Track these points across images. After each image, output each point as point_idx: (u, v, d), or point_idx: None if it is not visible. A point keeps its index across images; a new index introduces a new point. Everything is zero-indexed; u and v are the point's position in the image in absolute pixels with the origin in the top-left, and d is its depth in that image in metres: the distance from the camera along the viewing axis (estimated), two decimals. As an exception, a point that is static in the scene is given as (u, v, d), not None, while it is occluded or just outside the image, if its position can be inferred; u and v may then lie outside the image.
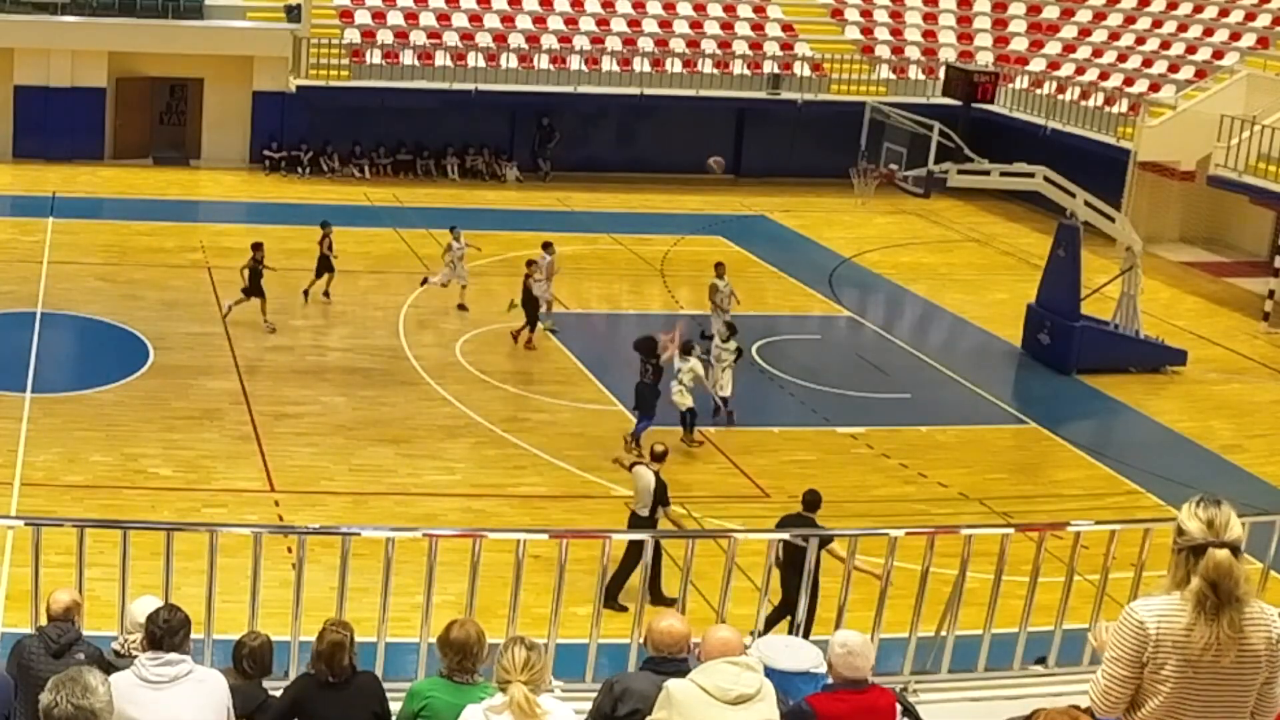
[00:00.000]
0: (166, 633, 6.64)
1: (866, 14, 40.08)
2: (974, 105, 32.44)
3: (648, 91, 36.33)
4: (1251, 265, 32.24)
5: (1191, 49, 35.64)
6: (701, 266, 30.48)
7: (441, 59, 35.84)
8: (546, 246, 25.88)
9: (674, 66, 36.90)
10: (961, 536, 10.45)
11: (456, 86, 35.52)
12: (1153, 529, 10.01)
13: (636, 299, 28.74)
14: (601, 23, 38.11)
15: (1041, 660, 9.92)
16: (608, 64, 36.42)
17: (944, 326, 28.57)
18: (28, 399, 20.98)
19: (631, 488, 16.39)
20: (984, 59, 38.49)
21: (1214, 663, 5.22)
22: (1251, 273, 31.68)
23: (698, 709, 6.06)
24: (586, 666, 9.42)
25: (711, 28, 38.78)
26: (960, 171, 26.85)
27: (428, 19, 37.26)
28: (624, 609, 12.50)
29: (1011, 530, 11.45)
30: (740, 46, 38.08)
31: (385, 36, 36.04)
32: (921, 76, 37.90)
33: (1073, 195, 25.23)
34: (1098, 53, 37.38)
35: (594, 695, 7.15)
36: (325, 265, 26.29)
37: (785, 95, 36.89)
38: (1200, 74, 34.30)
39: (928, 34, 39.67)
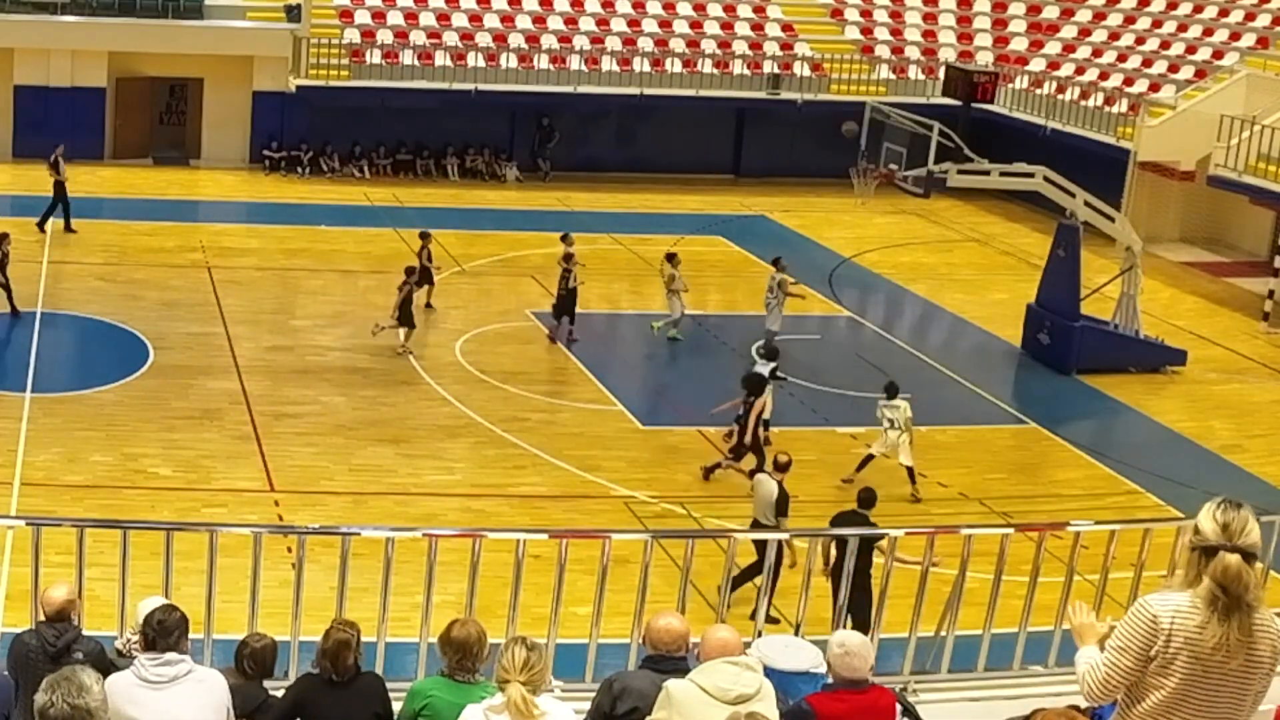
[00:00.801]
0: (160, 634, 6.63)
1: (866, 14, 40.09)
2: (974, 105, 32.46)
3: (648, 91, 36.34)
4: (1251, 265, 32.24)
5: (1191, 49, 35.65)
6: (702, 266, 30.50)
7: (441, 59, 35.85)
8: (671, 258, 26.16)
9: (674, 66, 36.90)
10: (961, 536, 10.45)
11: (456, 86, 35.53)
12: (1153, 529, 10.01)
13: (636, 299, 28.73)
14: (601, 23, 38.12)
15: None
16: (608, 64, 36.43)
17: (944, 326, 28.58)
18: (28, 399, 20.98)
19: (751, 496, 16.45)
20: (984, 59, 38.50)
21: (1222, 664, 5.22)
22: (1251, 273, 31.68)
23: (697, 709, 6.06)
24: (586, 666, 9.41)
25: (711, 28, 38.78)
26: (960, 171, 26.85)
27: (428, 19, 37.26)
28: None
29: (1011, 530, 11.46)
30: (740, 46, 38.08)
31: (385, 36, 36.05)
32: (921, 76, 37.90)
33: (1073, 195, 25.23)
34: (1098, 53, 37.39)
35: (594, 695, 7.16)
36: (426, 276, 26.02)
37: (785, 95, 36.90)
38: (1200, 74, 34.31)
39: (928, 34, 39.68)
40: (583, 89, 36.11)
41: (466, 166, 37.41)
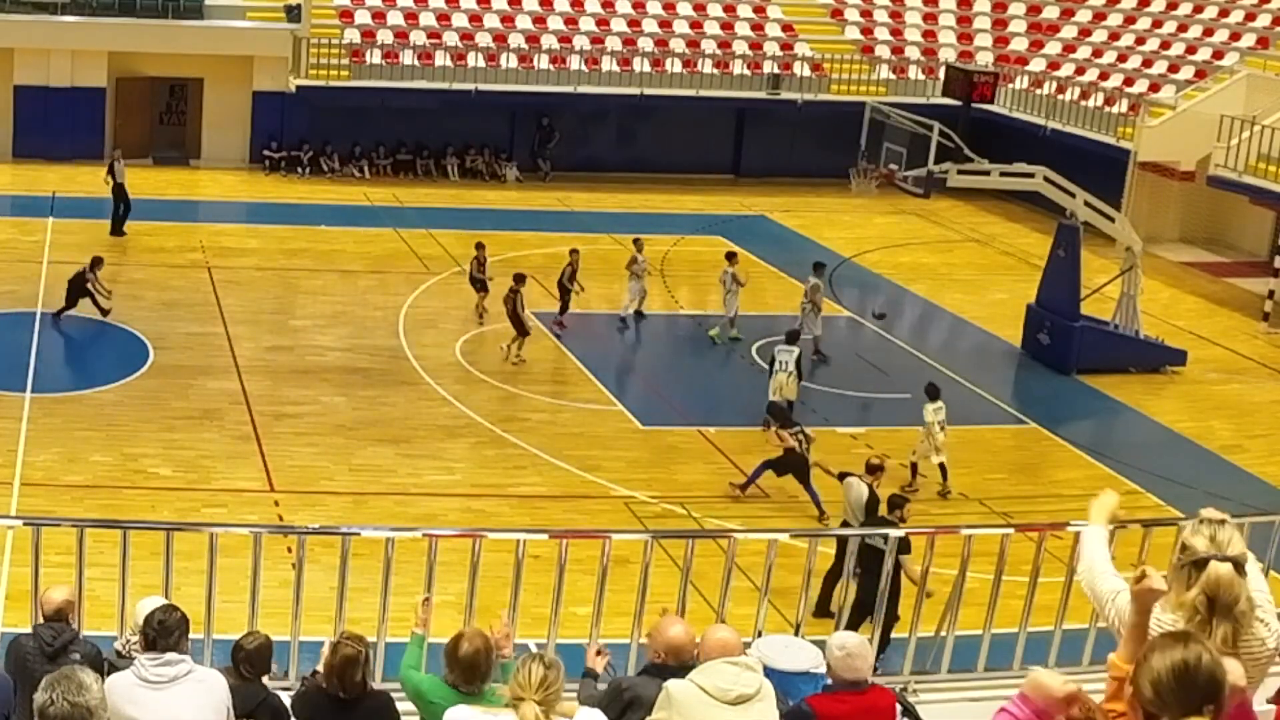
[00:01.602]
0: (160, 634, 6.63)
1: (866, 14, 40.09)
2: (974, 105, 32.46)
3: (648, 91, 36.34)
4: (1251, 265, 32.24)
5: (1191, 49, 35.65)
6: (701, 266, 30.50)
7: (441, 59, 35.85)
8: (731, 257, 26.54)
9: (674, 66, 36.90)
10: (961, 536, 10.45)
11: (456, 86, 35.53)
12: (1152, 529, 10.01)
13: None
14: (601, 23, 38.12)
15: None
16: (608, 64, 36.42)
17: (944, 326, 28.58)
18: (28, 399, 20.98)
19: (841, 500, 16.44)
20: (984, 59, 38.49)
21: None
22: (1251, 273, 31.68)
23: (697, 709, 6.05)
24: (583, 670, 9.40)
25: (711, 28, 38.78)
26: (960, 171, 26.86)
27: (428, 19, 37.26)
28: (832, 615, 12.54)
29: (1011, 530, 11.46)
30: (740, 46, 38.08)
31: (385, 36, 36.05)
32: (921, 76, 37.90)
33: (1073, 195, 25.23)
34: (1098, 53, 37.39)
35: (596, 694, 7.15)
36: (480, 284, 26.04)
37: (785, 95, 36.90)
38: (1200, 74, 34.31)
39: (928, 34, 39.67)
40: (583, 89, 36.11)
41: (466, 166, 37.41)
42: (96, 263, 24.73)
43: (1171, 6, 37.77)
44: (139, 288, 26.78)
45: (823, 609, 13.61)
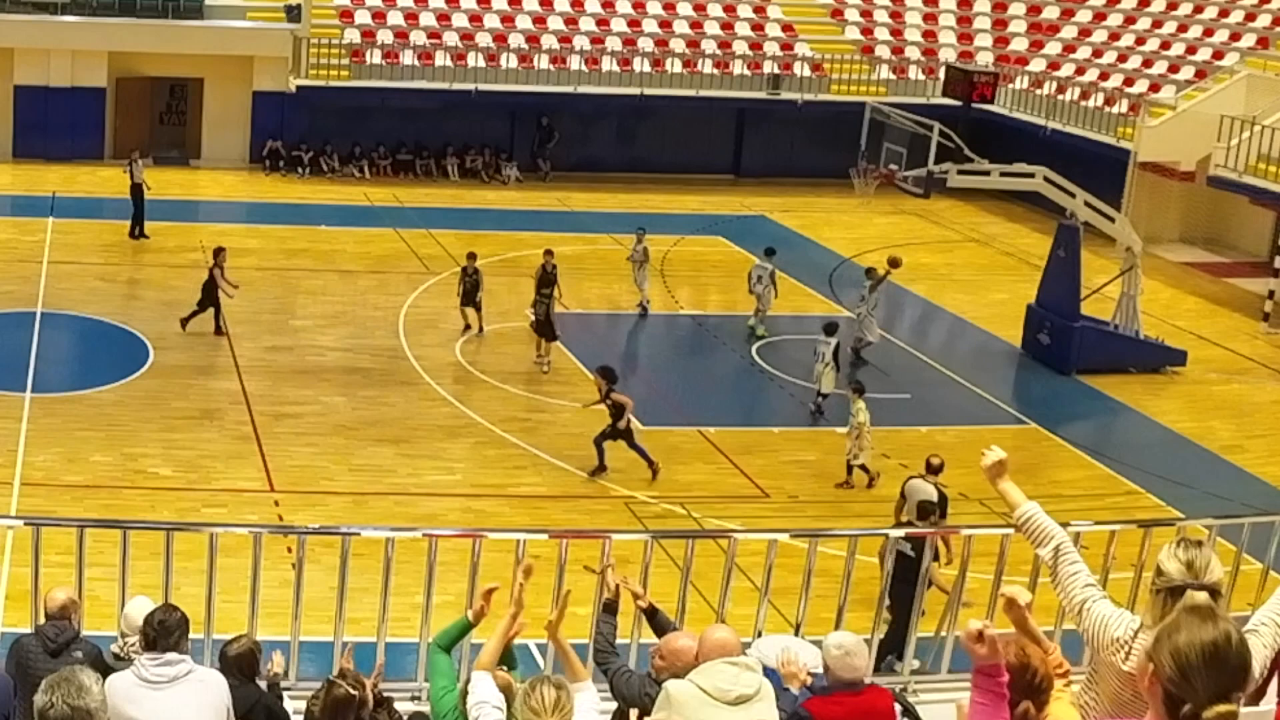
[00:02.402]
0: (161, 634, 6.63)
1: (866, 14, 40.09)
2: (974, 105, 32.45)
3: (648, 91, 36.34)
4: (1251, 265, 32.24)
5: (1191, 49, 35.65)
6: (702, 267, 30.53)
7: (441, 59, 35.85)
8: (769, 250, 26.76)
9: (674, 66, 36.90)
10: (961, 536, 10.45)
11: (456, 86, 35.53)
12: (1152, 529, 10.01)
13: (636, 299, 28.71)
14: (601, 23, 38.11)
15: None
16: (608, 64, 36.42)
17: (944, 326, 28.57)
18: (28, 399, 20.98)
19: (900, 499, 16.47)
20: (984, 59, 38.49)
21: None
22: (1251, 273, 31.68)
23: (697, 709, 6.05)
24: (586, 666, 9.40)
25: (711, 28, 38.78)
26: (960, 172, 26.85)
27: (428, 19, 37.26)
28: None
29: (1012, 530, 11.44)
30: (740, 46, 38.08)
31: (385, 36, 36.05)
32: (921, 76, 37.90)
33: (1073, 195, 25.22)
34: (1098, 53, 37.39)
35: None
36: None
37: (785, 95, 36.89)
38: (1200, 74, 34.31)
39: (928, 34, 39.67)
40: (583, 89, 36.11)
41: (466, 166, 37.41)
42: (220, 253, 24.47)
43: (1171, 6, 37.77)
44: (139, 288, 26.79)
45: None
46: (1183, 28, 36.83)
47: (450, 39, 36.47)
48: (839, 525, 16.94)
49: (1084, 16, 39.15)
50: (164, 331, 24.28)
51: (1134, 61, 36.31)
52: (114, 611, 9.08)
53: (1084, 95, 34.91)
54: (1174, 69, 35.15)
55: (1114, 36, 37.81)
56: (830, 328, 22.66)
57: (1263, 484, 20.53)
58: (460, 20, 37.36)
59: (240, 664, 7.62)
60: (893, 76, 37.92)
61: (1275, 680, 5.98)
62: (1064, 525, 6.68)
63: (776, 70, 37.15)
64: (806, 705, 7.10)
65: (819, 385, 22.18)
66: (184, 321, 24.10)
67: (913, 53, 38.71)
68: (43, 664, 7.44)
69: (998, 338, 26.97)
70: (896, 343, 26.64)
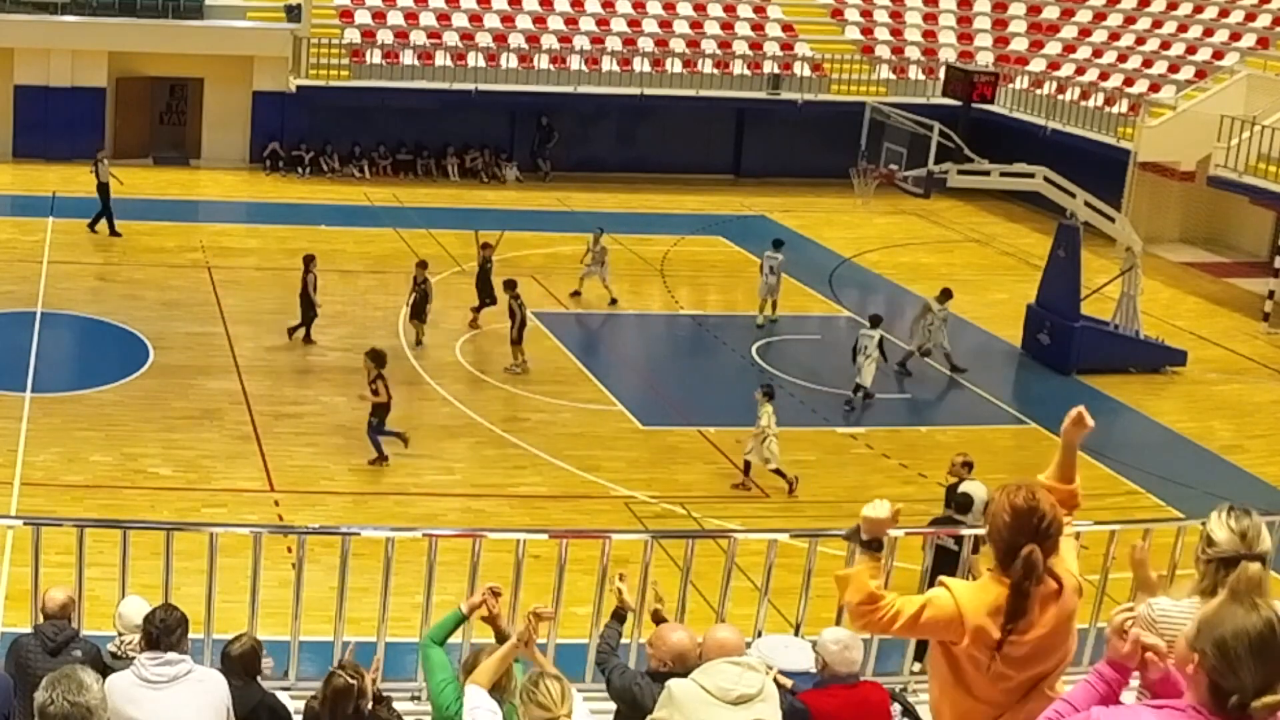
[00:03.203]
0: (163, 632, 6.64)
1: (866, 14, 40.09)
2: (974, 105, 32.44)
3: (648, 91, 36.33)
4: (1251, 265, 32.24)
5: (1191, 49, 35.64)
6: (701, 267, 30.54)
7: (441, 59, 35.85)
8: (778, 242, 27.18)
9: (674, 66, 36.90)
10: (961, 537, 10.44)
11: (456, 86, 35.53)
12: (1153, 529, 9.99)
13: (636, 299, 28.71)
14: (601, 23, 38.11)
15: None
16: (608, 64, 36.42)
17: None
18: (28, 399, 20.97)
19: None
20: (984, 59, 38.49)
21: None
22: (1251, 273, 31.68)
23: (699, 709, 6.04)
24: (586, 666, 9.40)
25: (711, 28, 38.78)
26: (960, 172, 26.85)
27: (428, 19, 37.26)
28: None
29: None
30: (740, 46, 38.08)
31: (385, 36, 36.05)
32: (921, 76, 37.90)
33: (1073, 195, 25.23)
34: (1098, 53, 37.39)
35: (592, 694, 7.15)
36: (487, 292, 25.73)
37: (785, 95, 36.89)
38: (1200, 74, 34.31)
39: (928, 34, 39.67)
40: (583, 89, 36.11)
41: (466, 166, 37.41)
42: (310, 260, 24.19)
43: (1171, 6, 37.77)
44: (139, 288, 26.79)
45: None
46: (1183, 28, 36.83)
47: (450, 39, 36.48)
48: (839, 525, 16.92)
49: (1084, 16, 39.16)
50: (164, 331, 24.29)
51: (1134, 61, 36.31)
52: (114, 611, 9.09)
53: (1084, 95, 34.91)
54: (1174, 69, 35.14)
55: (1114, 36, 37.81)
56: (875, 320, 22.82)
57: (1263, 484, 20.52)
58: (460, 20, 37.36)
59: (243, 663, 7.65)
60: (893, 76, 37.92)
61: None
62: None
63: (776, 70, 37.15)
64: (802, 697, 7.11)
65: (859, 378, 22.33)
66: (291, 331, 24.14)
67: (913, 53, 38.71)
68: (42, 663, 7.45)
69: (998, 338, 26.97)
70: (896, 343, 26.63)
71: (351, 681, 6.88)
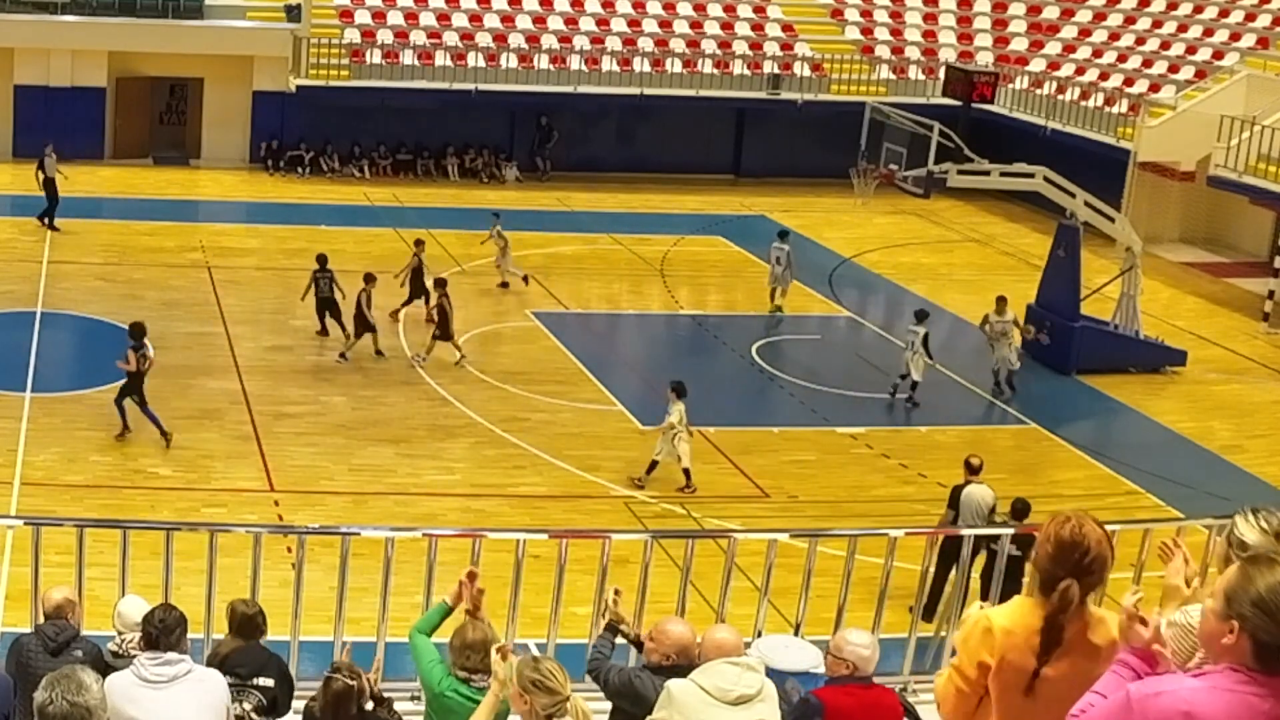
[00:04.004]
0: (162, 632, 6.64)
1: (866, 14, 40.09)
2: (974, 105, 32.45)
3: (648, 91, 36.34)
4: (1251, 265, 32.24)
5: (1191, 49, 35.64)
6: (701, 266, 30.53)
7: (441, 59, 35.85)
8: (783, 233, 27.67)
9: (674, 66, 36.90)
10: (961, 536, 10.45)
11: (456, 86, 35.53)
12: (1152, 529, 10.00)
13: (636, 299, 28.74)
14: (601, 23, 38.11)
15: None
16: (608, 64, 36.42)
17: (944, 326, 28.52)
18: (28, 399, 20.97)
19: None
20: (984, 59, 38.49)
21: None
22: (1251, 273, 31.68)
23: (698, 709, 6.04)
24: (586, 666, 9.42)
25: (711, 28, 38.78)
26: (960, 172, 26.86)
27: (428, 19, 37.26)
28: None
29: (1011, 530, 11.46)
30: (740, 46, 38.08)
31: (385, 36, 36.05)
32: (921, 76, 37.90)
33: (1073, 195, 25.23)
34: (1098, 53, 37.39)
35: (590, 695, 7.14)
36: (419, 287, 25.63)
37: (785, 95, 36.90)
38: (1200, 74, 34.30)
39: (928, 34, 39.67)
40: (583, 89, 36.11)
41: (466, 166, 37.41)
42: (370, 279, 23.78)
43: (1171, 6, 37.77)
44: (139, 288, 26.78)
45: (930, 612, 13.20)
46: (1183, 28, 36.82)
47: (450, 39, 36.48)
48: (839, 525, 16.93)
49: (1084, 16, 39.15)
50: (164, 331, 24.25)
51: (1134, 61, 36.31)
52: (113, 611, 9.09)
53: (1084, 95, 34.91)
54: (1174, 69, 35.14)
55: (1114, 36, 37.80)
56: (920, 315, 22.89)
57: (1263, 484, 20.51)
58: (460, 20, 37.36)
59: (244, 624, 7.90)
60: (893, 76, 37.92)
61: None
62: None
63: (776, 70, 37.15)
64: (817, 693, 7.10)
65: (907, 370, 22.61)
66: (344, 355, 23.64)
67: (913, 53, 38.71)
68: (43, 663, 7.45)
69: (998, 338, 26.93)
70: (896, 343, 26.63)
71: (350, 683, 6.85)
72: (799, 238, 32.98)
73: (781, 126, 37.57)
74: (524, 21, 37.62)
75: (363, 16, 36.96)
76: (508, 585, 9.43)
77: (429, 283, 24.78)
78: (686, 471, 19.31)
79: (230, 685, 7.27)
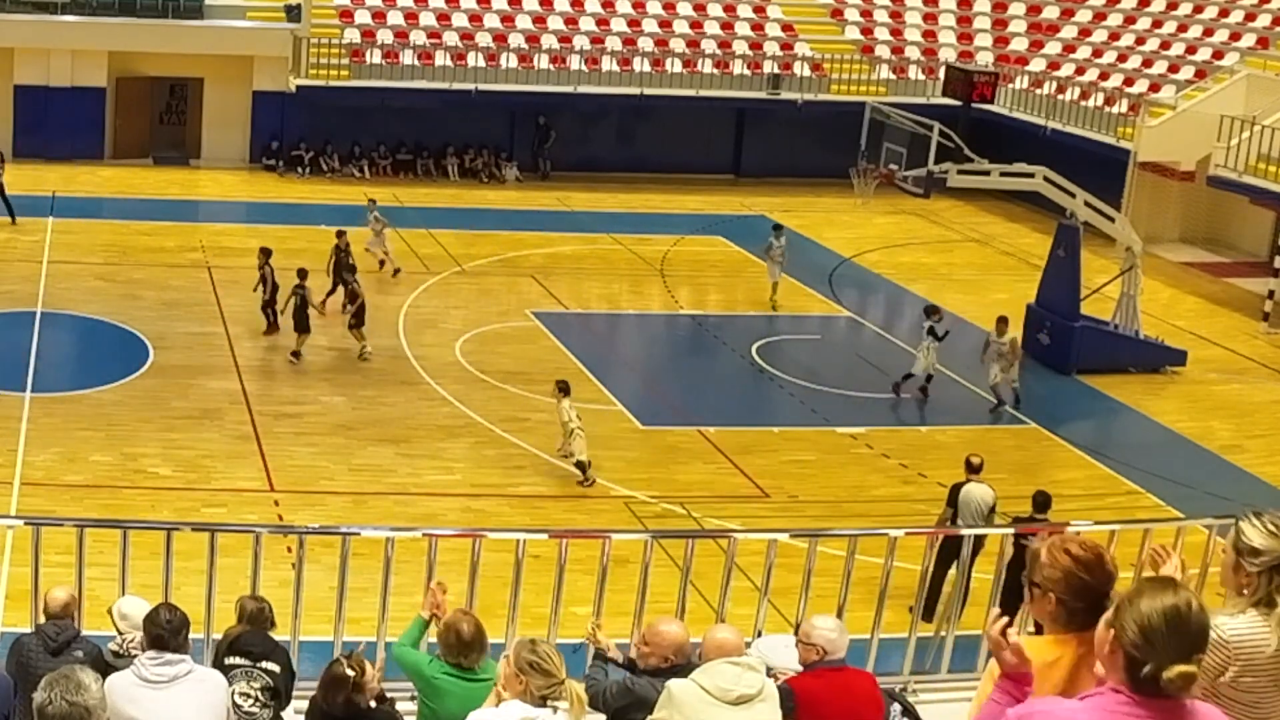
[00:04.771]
0: (170, 632, 6.65)
1: (866, 14, 40.09)
2: (974, 105, 32.45)
3: (648, 91, 36.34)
4: (1251, 265, 32.23)
5: (1191, 49, 35.64)
6: (701, 266, 30.52)
7: (441, 59, 35.85)
8: (777, 229, 27.91)
9: (674, 66, 36.90)
10: (961, 536, 10.45)
11: (456, 86, 35.53)
12: (1152, 529, 10.00)
13: (636, 299, 28.74)
14: (601, 23, 38.12)
15: None
16: (608, 64, 36.42)
17: (943, 326, 28.52)
18: (28, 399, 20.97)
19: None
20: (984, 59, 38.49)
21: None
22: (1251, 273, 31.67)
23: (699, 709, 6.05)
24: (586, 666, 9.42)
25: (711, 28, 38.78)
26: (960, 171, 26.86)
27: (428, 19, 37.26)
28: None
29: (1011, 530, 11.46)
30: (740, 46, 38.08)
31: (385, 36, 36.05)
32: (921, 76, 37.90)
33: (1073, 195, 25.23)
34: (1098, 53, 37.39)
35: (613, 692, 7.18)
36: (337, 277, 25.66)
37: (785, 95, 36.90)
38: (1200, 74, 34.31)
39: (928, 34, 39.67)
40: (583, 89, 36.11)
41: (466, 166, 37.41)
42: (303, 274, 23.90)
43: (1171, 6, 37.77)
44: (139, 288, 26.78)
45: (930, 612, 13.06)
46: (1183, 28, 36.83)
47: (450, 39, 36.48)
48: (839, 525, 16.93)
49: (1084, 16, 39.15)
50: (164, 331, 24.29)
51: (1134, 61, 36.31)
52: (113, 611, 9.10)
53: (1084, 95, 34.91)
54: (1174, 69, 35.14)
55: (1114, 36, 37.80)
56: (929, 310, 23.24)
57: (1263, 484, 20.52)
58: (460, 20, 37.36)
59: (254, 619, 8.01)
60: (893, 76, 37.92)
61: None
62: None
63: (776, 70, 37.15)
64: (789, 681, 7.11)
65: (925, 367, 22.99)
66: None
67: (913, 53, 38.71)
68: (43, 663, 7.45)
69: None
70: (896, 343, 26.64)
71: (349, 673, 6.89)
72: (799, 238, 33.01)
73: (781, 126, 37.57)
74: (524, 21, 37.62)
75: (363, 16, 36.97)
76: (508, 585, 9.44)
77: (344, 274, 24.61)
78: (579, 465, 19.42)
79: (240, 666, 7.38)
